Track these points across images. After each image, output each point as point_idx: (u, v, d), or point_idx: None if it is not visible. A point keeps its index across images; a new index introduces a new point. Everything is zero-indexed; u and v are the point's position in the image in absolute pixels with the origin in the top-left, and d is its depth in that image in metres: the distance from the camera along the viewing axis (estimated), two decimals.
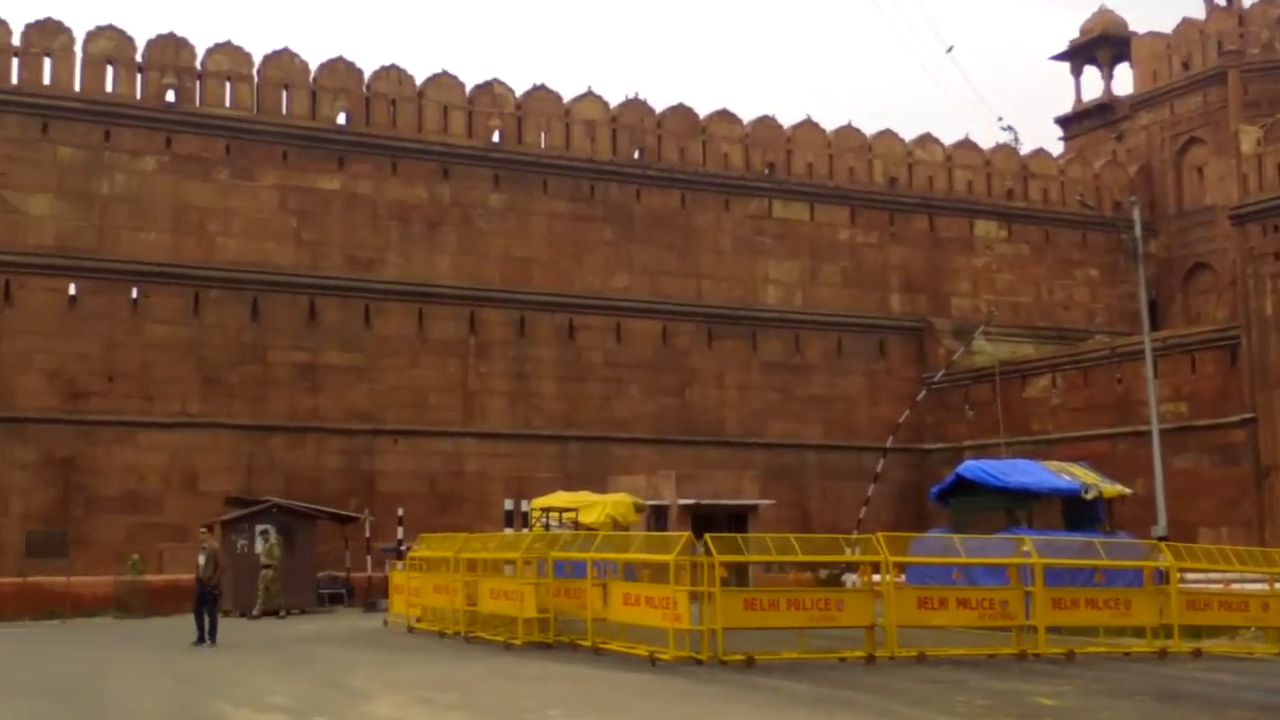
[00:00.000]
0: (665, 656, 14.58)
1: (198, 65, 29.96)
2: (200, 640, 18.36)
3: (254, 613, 24.00)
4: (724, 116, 35.63)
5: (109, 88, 29.08)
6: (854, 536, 19.97)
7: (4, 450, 26.89)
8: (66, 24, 28.96)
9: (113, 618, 24.08)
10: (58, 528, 25.84)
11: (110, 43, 29.19)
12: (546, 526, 23.11)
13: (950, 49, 68.80)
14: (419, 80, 32.28)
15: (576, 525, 22.91)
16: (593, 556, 16.62)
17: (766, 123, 36.13)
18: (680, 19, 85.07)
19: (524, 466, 31.02)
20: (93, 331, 27.96)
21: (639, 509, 25.06)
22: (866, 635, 15.11)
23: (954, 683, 13.36)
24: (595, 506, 23.97)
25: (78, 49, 28.93)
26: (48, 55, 28.62)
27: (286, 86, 30.80)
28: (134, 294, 28.54)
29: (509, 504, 27.98)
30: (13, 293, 27.49)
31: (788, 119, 36.65)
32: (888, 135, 37.63)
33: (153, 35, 29.69)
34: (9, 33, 28.35)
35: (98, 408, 27.81)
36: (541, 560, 17.47)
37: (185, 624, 19.50)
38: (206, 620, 18.49)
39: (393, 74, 31.96)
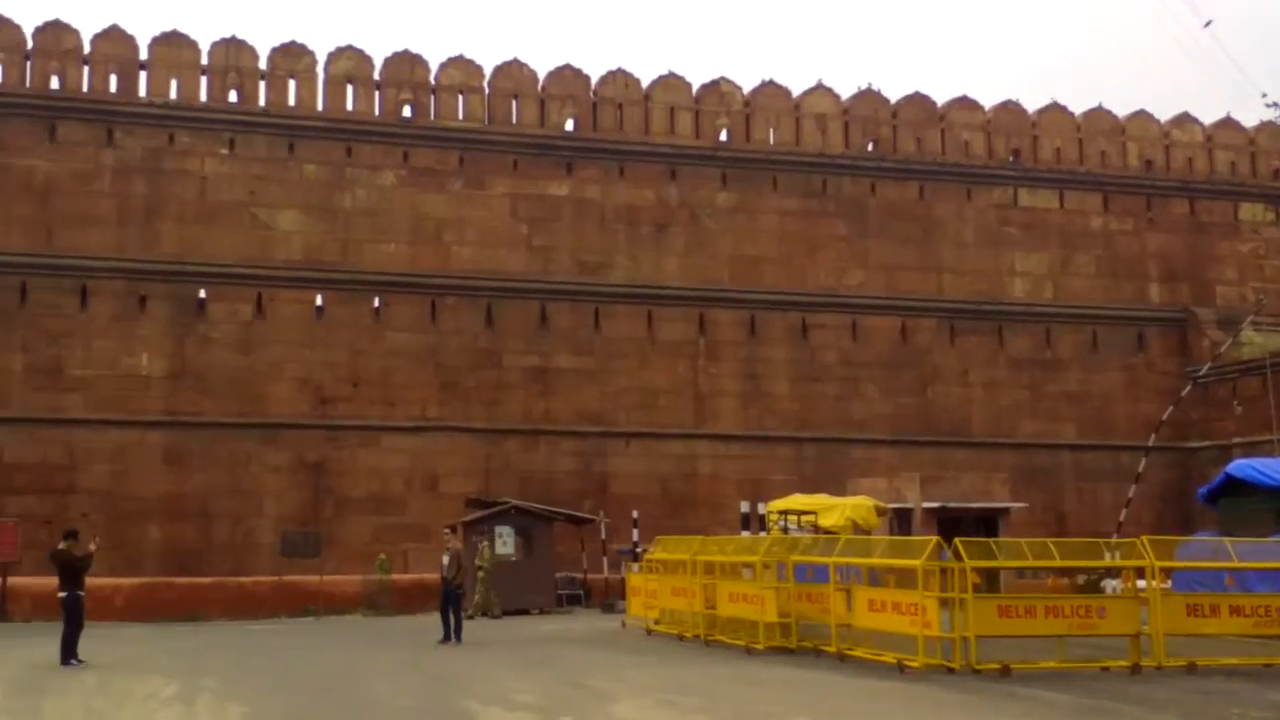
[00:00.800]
0: (914, 664, 14.14)
1: (432, 80, 31.05)
2: (446, 638, 18.86)
3: (468, 614, 24.42)
4: (963, 103, 34.48)
5: (349, 106, 30.49)
6: (1114, 540, 18.78)
7: (259, 454, 28.51)
8: (310, 47, 30.53)
9: (361, 615, 25.09)
10: (310, 528, 27.04)
11: (350, 63, 30.57)
12: (785, 530, 22.72)
13: (1209, 23, 64.51)
14: (645, 83, 32.51)
15: (816, 529, 22.40)
16: (835, 561, 16.30)
17: (1009, 108, 34.76)
18: (910, 6, 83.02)
19: (758, 469, 30.76)
20: (338, 340, 29.35)
21: (880, 512, 24.32)
22: (1131, 644, 14.37)
23: (1227, 694, 12.58)
24: (835, 509, 23.39)
25: (320, 70, 30.43)
26: (292, 77, 30.21)
27: (516, 96, 31.54)
28: (376, 303, 29.80)
29: (745, 507, 27.67)
30: (264, 305, 29.12)
31: (1031, 104, 35.24)
32: (1142, 116, 35.63)
33: (389, 53, 30.99)
34: (256, 57, 30.07)
35: (344, 413, 29.18)
36: (781, 564, 17.30)
37: (431, 622, 20.13)
38: (452, 619, 18.93)
39: (619, 78, 32.26)
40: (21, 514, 26.04)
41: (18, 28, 28.86)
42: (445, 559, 19.62)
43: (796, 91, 33.46)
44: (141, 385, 28.21)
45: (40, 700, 13.08)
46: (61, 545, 17.16)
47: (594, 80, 32.16)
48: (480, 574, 24.50)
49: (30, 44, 28.89)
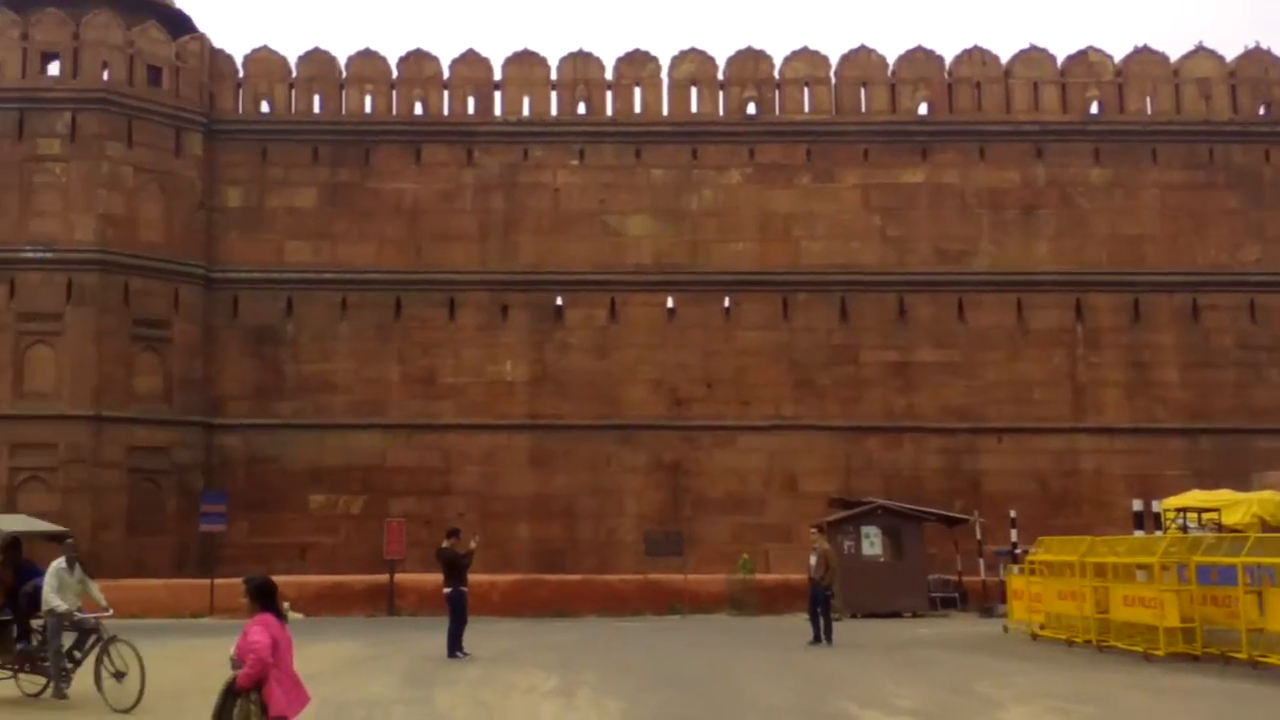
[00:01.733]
0: None
1: (776, 75, 30.83)
2: (816, 640, 18.52)
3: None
4: None
5: (694, 108, 30.71)
6: None
7: (618, 455, 29.19)
8: (653, 53, 31.00)
9: (726, 615, 24.96)
10: (671, 527, 27.29)
11: (693, 65, 30.81)
12: (1184, 529, 20.64)
13: None
14: (1004, 59, 30.77)
15: (1219, 527, 20.22)
16: (1244, 560, 14.87)
17: None
18: None
19: (1147, 464, 28.60)
20: (690, 341, 29.59)
21: None
22: None
23: None
24: (1239, 506, 21.12)
25: (664, 75, 30.86)
26: (637, 85, 30.81)
27: (864, 84, 30.79)
28: (726, 303, 29.88)
29: (1137, 505, 25.39)
30: (618, 309, 29.77)
31: None
32: None
33: (732, 52, 31.05)
34: (602, 68, 30.91)
35: (698, 413, 29.42)
36: (1182, 565, 16.03)
37: (797, 623, 19.97)
38: (821, 621, 18.54)
39: (975, 56, 30.87)
40: (404, 514, 27.95)
41: (384, 59, 31.03)
42: (813, 559, 19.31)
43: (1174, 56, 30.86)
44: (506, 390, 29.55)
45: (431, 691, 13.65)
46: (445, 543, 17.96)
47: (948, 61, 30.84)
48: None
49: (395, 74, 30.94)
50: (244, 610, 7.73)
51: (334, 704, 12.35)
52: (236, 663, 7.57)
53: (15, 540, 13.56)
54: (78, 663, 12.78)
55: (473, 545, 18.47)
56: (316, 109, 30.80)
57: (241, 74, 31.10)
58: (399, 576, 25.47)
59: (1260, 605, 14.41)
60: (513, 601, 25.02)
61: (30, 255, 28.29)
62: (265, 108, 31.00)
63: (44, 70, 29.49)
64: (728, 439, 29.11)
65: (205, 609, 24.52)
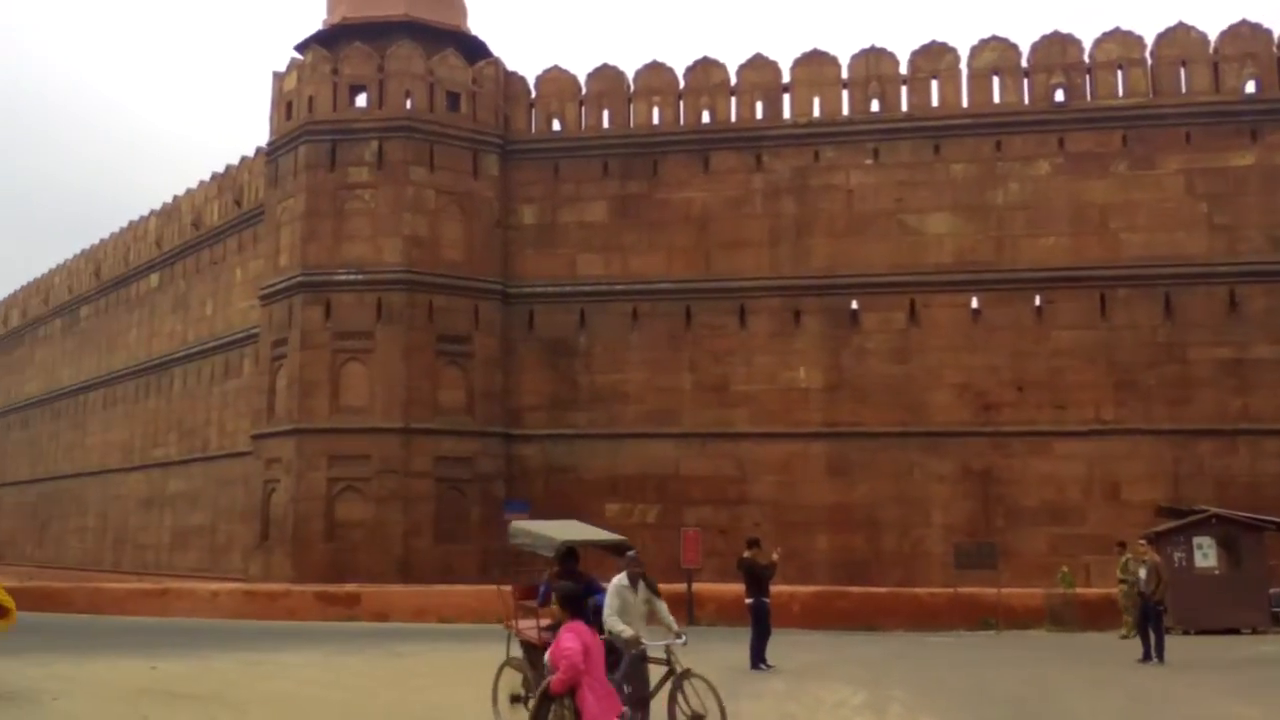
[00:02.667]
0: None
1: (1085, 59, 29.22)
2: (1146, 657, 17.46)
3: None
4: None
5: (996, 98, 29.49)
6: None
7: (922, 463, 28.29)
8: (950, 44, 29.96)
9: (1045, 630, 23.64)
10: (982, 539, 26.18)
11: (994, 54, 29.66)
12: None
13: None
14: None
15: None
16: None
17: None
18: None
19: None
20: (998, 343, 28.37)
21: None
22: None
23: None
24: None
25: (962, 66, 29.80)
26: (934, 78, 29.88)
27: (1184, 63, 28.81)
28: (1036, 301, 28.44)
29: None
30: (918, 311, 28.87)
31: None
32: None
33: (1036, 38, 29.62)
34: (896, 63, 30.14)
35: (1009, 419, 28.10)
36: None
37: (1117, 640, 19.08)
38: (1152, 636, 17.49)
39: None
40: (698, 523, 27.91)
41: (670, 70, 31.34)
42: (1142, 572, 18.21)
43: None
44: (801, 398, 29.10)
45: (737, 704, 13.30)
46: (746, 554, 17.70)
47: (1277, 34, 28.42)
48: (1123, 588, 22.02)
49: (682, 83, 31.16)
50: (555, 617, 8.06)
51: None
52: (550, 668, 7.73)
53: (572, 551, 11.66)
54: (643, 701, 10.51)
55: (775, 557, 18.12)
56: (605, 124, 31.37)
57: (534, 94, 32.04)
58: (696, 586, 25.37)
59: None
60: (813, 614, 24.48)
61: (343, 278, 29.93)
62: (556, 125, 31.79)
63: (352, 102, 31.13)
64: (1042, 445, 27.62)
65: (510, 615, 25.00)
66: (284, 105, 32.16)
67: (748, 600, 17.19)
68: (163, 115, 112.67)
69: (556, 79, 31.95)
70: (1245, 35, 28.55)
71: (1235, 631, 22.31)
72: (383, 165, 30.23)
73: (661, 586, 25.25)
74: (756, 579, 17.24)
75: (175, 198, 42.15)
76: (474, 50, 32.54)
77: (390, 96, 30.68)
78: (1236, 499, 25.59)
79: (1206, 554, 23.04)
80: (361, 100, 31.24)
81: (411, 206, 30.07)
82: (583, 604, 7.71)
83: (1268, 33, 28.47)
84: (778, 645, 17.83)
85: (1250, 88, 28.41)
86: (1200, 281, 27.56)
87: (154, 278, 42.71)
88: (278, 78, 32.57)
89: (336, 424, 29.27)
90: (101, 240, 48.42)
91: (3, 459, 55.10)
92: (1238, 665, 17.08)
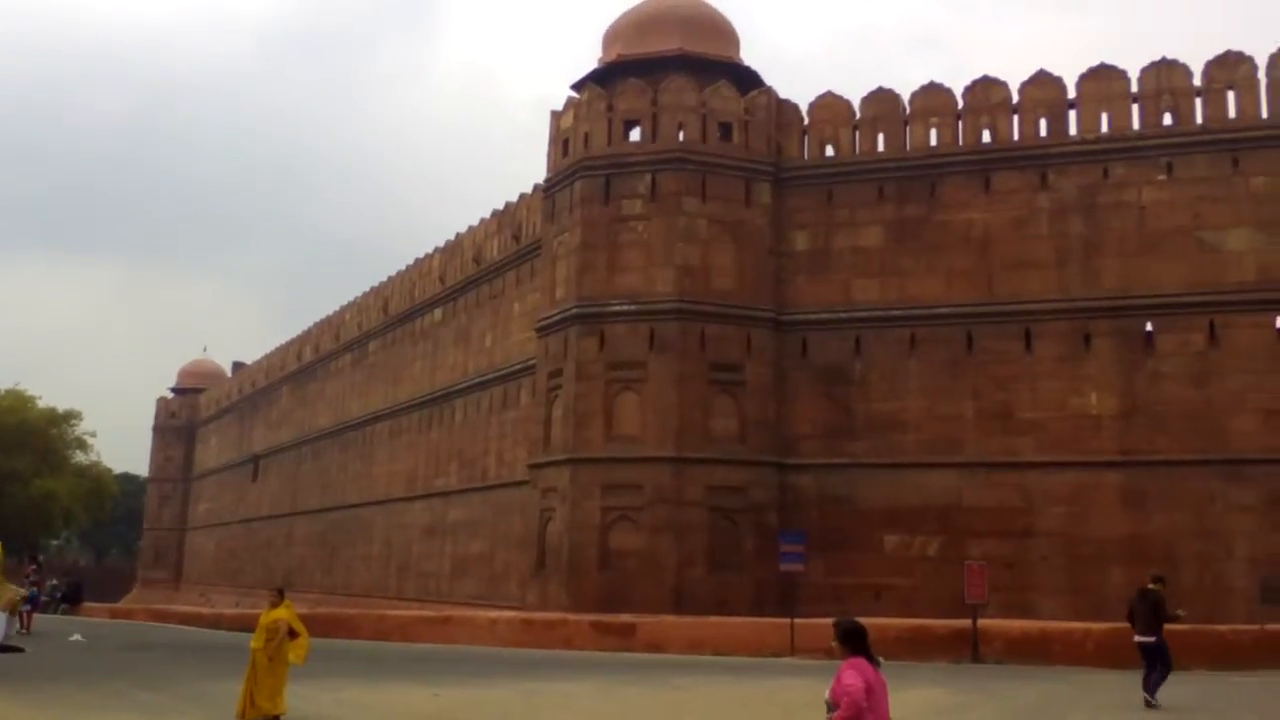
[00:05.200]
0: None
1: None
2: None
3: None
4: None
5: None
6: None
7: (1223, 492, 27.62)
8: (1246, 53, 29.41)
9: None
10: None
11: None
12: None
13: None
14: None
15: None
16: None
17: None
18: None
19: None
20: None
21: None
22: None
23: None
24: None
25: (1260, 75, 29.19)
26: (1230, 88, 29.39)
27: None
28: None
29: None
30: (1218, 332, 28.28)
31: None
32: None
33: None
34: (1189, 75, 29.75)
35: None
36: None
37: None
38: None
39: None
40: (982, 556, 27.83)
41: (949, 91, 31.75)
42: None
43: None
44: (1092, 425, 28.84)
45: None
46: (1150, 586, 17.67)
47: None
48: None
49: (960, 104, 31.52)
50: (835, 653, 7.85)
51: None
52: (831, 705, 7.66)
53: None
54: None
55: (1181, 614, 18.04)
56: (880, 147, 31.97)
57: (807, 121, 32.90)
58: (983, 622, 25.31)
59: None
60: (1109, 651, 24.00)
61: (617, 309, 31.22)
62: (830, 151, 32.54)
63: (627, 137, 32.71)
64: None
65: (786, 648, 25.30)
66: (561, 142, 33.99)
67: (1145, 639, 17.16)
68: (446, 158, 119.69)
69: (830, 104, 32.75)
70: None
71: None
72: (655, 197, 31.46)
73: (945, 622, 25.37)
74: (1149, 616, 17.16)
75: (458, 234, 45.10)
76: (747, 80, 33.66)
77: (663, 129, 31.99)
78: None
79: None
80: (635, 135, 32.69)
81: (684, 236, 31.19)
82: (863, 640, 8.00)
83: None
84: (1072, 686, 17.56)
85: None
86: None
87: (437, 312, 45.72)
88: (555, 116, 34.40)
89: (610, 453, 30.38)
90: (390, 277, 52.05)
91: (296, 489, 59.62)
92: None
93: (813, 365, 31.37)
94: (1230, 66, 29.35)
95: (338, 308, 58.37)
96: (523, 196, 39.56)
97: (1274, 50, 29.01)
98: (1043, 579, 28.46)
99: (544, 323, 33.12)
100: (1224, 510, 27.47)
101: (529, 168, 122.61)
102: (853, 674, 7.58)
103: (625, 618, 27.52)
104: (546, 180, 34.53)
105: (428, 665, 22.45)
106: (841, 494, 30.58)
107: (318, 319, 61.13)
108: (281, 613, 13.55)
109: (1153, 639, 16.86)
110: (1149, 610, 17.06)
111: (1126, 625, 25.30)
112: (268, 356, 69.04)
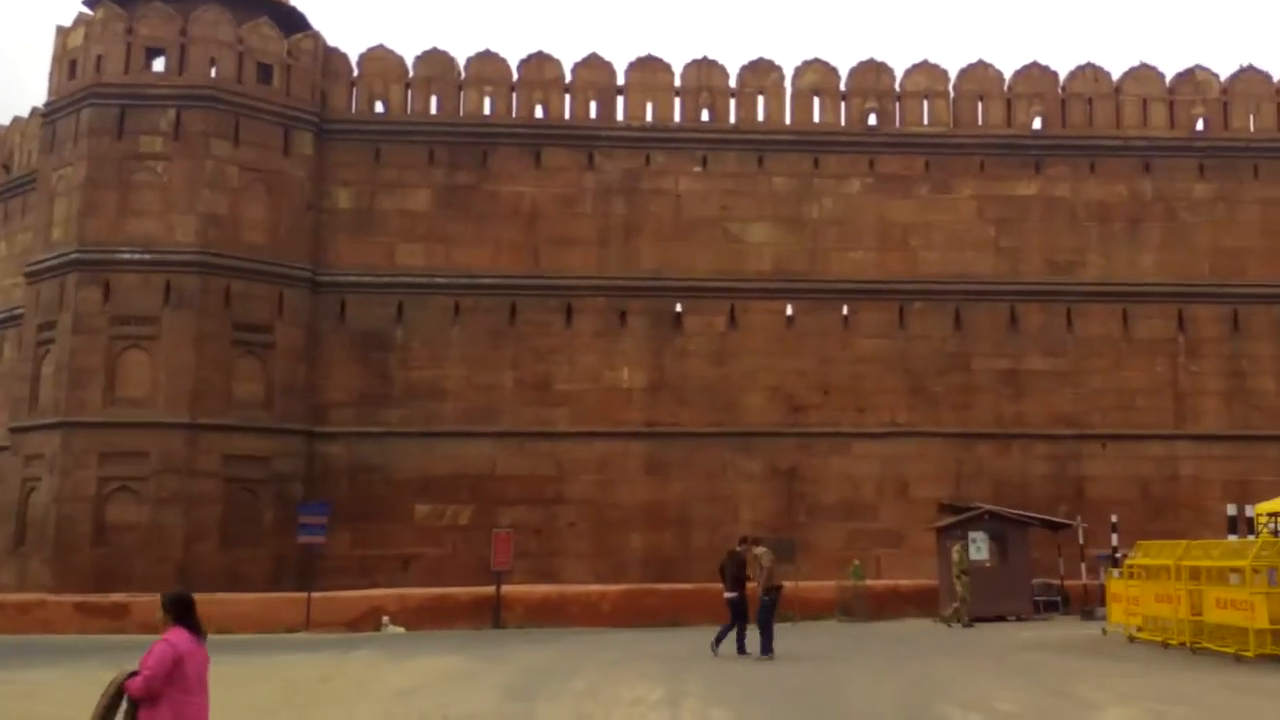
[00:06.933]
0: None
1: (896, 87, 33.94)
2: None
3: (960, 622, 26.07)
4: None
5: (816, 118, 33.62)
6: None
7: (734, 462, 32.03)
8: (776, 62, 33.92)
9: (836, 620, 27.55)
10: (784, 535, 29.31)
11: (816, 75, 33.94)
12: (1275, 532, 23.28)
13: None
14: (1115, 76, 34.09)
15: None
16: None
17: None
18: None
19: (1243, 470, 31.83)
20: (808, 348, 32.55)
21: None
22: None
23: None
24: None
25: (787, 84, 33.82)
26: (761, 93, 33.86)
27: (981, 97, 34.04)
28: (844, 310, 32.73)
29: (1231, 509, 28.37)
30: (737, 315, 32.60)
31: None
32: None
33: (854, 63, 34.08)
34: (726, 76, 33.87)
35: (815, 420, 32.36)
36: (1272, 569, 18.29)
37: (905, 628, 22.54)
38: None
39: (1089, 73, 34.19)
40: (513, 524, 30.14)
41: (504, 61, 33.68)
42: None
43: (1277, 76, 34.14)
44: (623, 398, 32.16)
45: (533, 705, 14.76)
46: (739, 548, 20.62)
47: (1062, 76, 34.02)
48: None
49: (516, 75, 33.59)
50: (159, 625, 7.90)
51: (433, 719, 13.59)
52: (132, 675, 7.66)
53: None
54: None
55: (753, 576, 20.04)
56: (433, 110, 33.09)
57: (356, 73, 33.03)
58: (506, 588, 27.19)
59: None
60: (623, 611, 27.05)
61: (127, 257, 29.61)
62: (380, 108, 33.13)
63: (148, 66, 30.79)
64: (843, 446, 32.00)
65: (301, 624, 25.75)
66: (67, 63, 31.60)
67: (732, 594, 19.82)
68: None
69: (381, 58, 33.23)
70: (1035, 76, 34.01)
71: (1003, 619, 26.81)
72: (180, 136, 30.12)
73: (469, 589, 26.86)
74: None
75: None
76: (292, 22, 33.16)
77: (193, 63, 30.54)
78: (1008, 497, 30.87)
79: (980, 547, 27.60)
80: (160, 65, 30.92)
81: (211, 183, 30.10)
82: (190, 611, 7.88)
83: (1054, 75, 34.15)
84: (588, 645, 19.53)
85: (1037, 124, 33.90)
86: (986, 298, 32.70)
87: None
88: (62, 32, 31.84)
89: (111, 417, 28.99)
90: None
91: None
92: (1002, 650, 20.24)
93: (351, 329, 31.60)
94: (762, 73, 33.76)
95: None
96: (16, 120, 36.47)
97: (799, 63, 33.80)
98: (570, 544, 31.42)
99: (36, 267, 30.92)
100: (734, 478, 31.84)
101: (26, 86, 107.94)
102: (164, 646, 7.62)
103: (117, 597, 26.59)
104: (47, 104, 32.14)
105: None
106: (374, 464, 31.05)
107: None
108: None
109: (736, 595, 19.46)
110: (737, 569, 19.68)
111: (639, 586, 28.46)
112: None
